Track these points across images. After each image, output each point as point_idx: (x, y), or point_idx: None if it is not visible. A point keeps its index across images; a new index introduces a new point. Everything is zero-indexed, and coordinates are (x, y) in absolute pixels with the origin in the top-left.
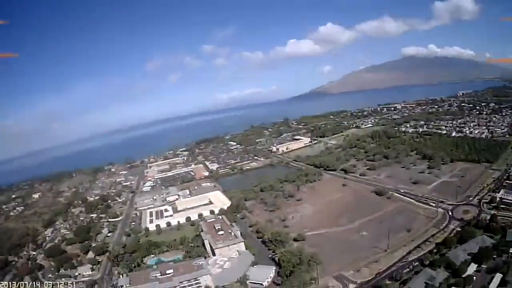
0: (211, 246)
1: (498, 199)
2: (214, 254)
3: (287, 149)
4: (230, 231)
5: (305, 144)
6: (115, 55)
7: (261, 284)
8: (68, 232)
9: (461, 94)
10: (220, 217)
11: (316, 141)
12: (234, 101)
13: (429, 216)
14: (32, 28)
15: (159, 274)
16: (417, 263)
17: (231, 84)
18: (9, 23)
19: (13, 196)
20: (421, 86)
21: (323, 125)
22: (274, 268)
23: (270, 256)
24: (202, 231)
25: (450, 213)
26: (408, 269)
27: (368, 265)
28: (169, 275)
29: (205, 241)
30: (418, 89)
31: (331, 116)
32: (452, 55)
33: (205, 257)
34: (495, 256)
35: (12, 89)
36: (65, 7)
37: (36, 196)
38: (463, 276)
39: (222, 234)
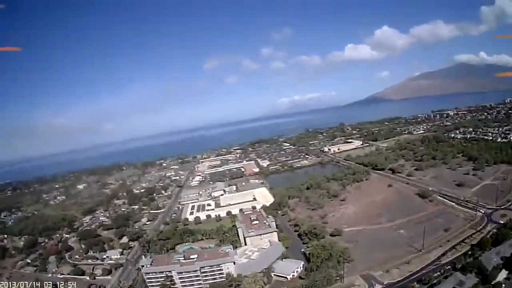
0: (243, 235)
1: None
2: (245, 244)
3: (338, 149)
4: (265, 221)
5: (356, 146)
6: (173, 56)
7: (286, 277)
8: (107, 220)
9: (508, 101)
10: (258, 209)
11: (367, 144)
12: (295, 105)
13: (468, 219)
14: (90, 29)
15: (183, 258)
16: (449, 266)
17: (291, 88)
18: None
19: (56, 186)
20: (473, 93)
21: (376, 131)
22: (303, 263)
23: (302, 250)
24: (238, 221)
25: (489, 217)
26: (438, 272)
27: (399, 265)
28: (192, 260)
29: (238, 229)
30: (470, 96)
31: (386, 123)
32: (501, 63)
33: (236, 246)
34: None
35: (71, 87)
36: (130, 9)
37: (80, 187)
38: (492, 283)
39: (256, 224)
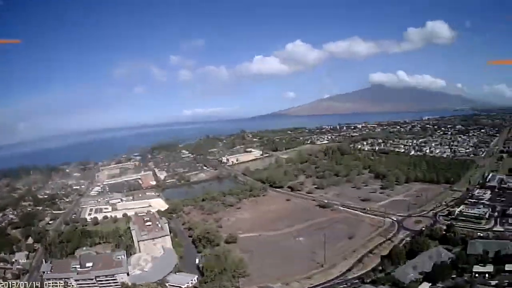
0: (137, 239)
1: (457, 212)
2: (139, 249)
3: (237, 160)
4: (157, 223)
5: (255, 156)
6: (81, 62)
7: (180, 287)
8: (15, 218)
9: (426, 118)
10: (152, 212)
11: (267, 155)
12: (198, 116)
13: (375, 225)
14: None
15: (79, 266)
16: (356, 280)
17: (195, 100)
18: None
19: None
20: (388, 113)
21: (277, 139)
22: (197, 276)
23: (197, 262)
24: (131, 222)
25: (400, 223)
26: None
27: (300, 279)
28: (87, 268)
29: (132, 232)
30: (384, 115)
31: (289, 132)
32: (422, 86)
33: (130, 253)
34: (454, 276)
35: None
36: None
37: None
38: None
39: (150, 226)
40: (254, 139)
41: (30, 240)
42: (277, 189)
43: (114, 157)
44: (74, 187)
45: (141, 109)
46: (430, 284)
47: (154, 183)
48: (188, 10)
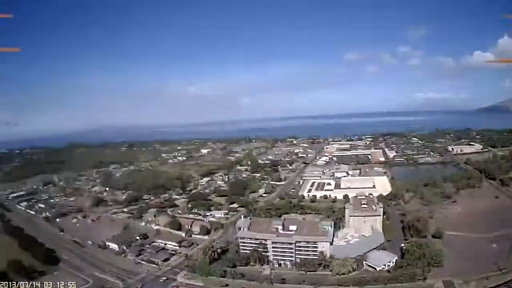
0: (348, 215)
1: None
2: (349, 224)
3: (461, 151)
4: (373, 206)
5: (476, 150)
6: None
7: (375, 268)
8: (223, 185)
9: None
10: (371, 195)
11: (486, 150)
12: (429, 102)
13: None
14: None
15: (281, 227)
16: None
17: (426, 85)
18: None
19: (179, 148)
20: None
21: (496, 138)
22: (396, 257)
23: (402, 245)
24: (348, 203)
25: None
26: None
27: (479, 279)
28: (290, 232)
29: (346, 210)
30: None
31: (505, 134)
32: None
33: (339, 226)
34: None
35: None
36: None
37: (204, 151)
38: None
39: (365, 207)
40: (477, 136)
41: (234, 206)
42: (490, 181)
43: (344, 136)
44: (301, 155)
45: (373, 92)
46: None
47: (383, 159)
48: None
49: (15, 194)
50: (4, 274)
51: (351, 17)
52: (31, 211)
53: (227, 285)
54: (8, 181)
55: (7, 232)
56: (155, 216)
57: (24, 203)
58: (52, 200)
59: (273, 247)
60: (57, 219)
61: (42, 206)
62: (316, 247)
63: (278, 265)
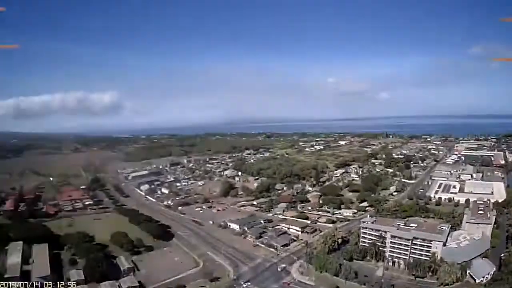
0: (465, 221)
1: None
2: (463, 228)
3: None
4: (488, 213)
5: None
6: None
7: (474, 279)
8: (357, 179)
9: None
10: (488, 201)
11: None
12: None
13: None
14: None
15: (403, 224)
16: None
17: None
18: None
19: (316, 139)
20: None
21: None
22: (494, 269)
23: (500, 256)
24: (467, 208)
25: None
26: None
27: None
28: (409, 227)
29: (464, 215)
30: None
31: None
32: None
33: (455, 229)
34: None
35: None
36: None
37: (342, 142)
38: None
39: (481, 213)
40: None
41: (364, 204)
42: None
43: (473, 136)
44: (433, 151)
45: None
46: None
47: (502, 162)
48: None
49: (136, 174)
50: (104, 246)
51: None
52: (151, 198)
53: (337, 287)
54: (129, 161)
55: (120, 211)
56: (283, 211)
57: (146, 186)
58: (178, 184)
59: (391, 242)
60: (180, 207)
61: (166, 191)
62: (430, 246)
63: (392, 264)
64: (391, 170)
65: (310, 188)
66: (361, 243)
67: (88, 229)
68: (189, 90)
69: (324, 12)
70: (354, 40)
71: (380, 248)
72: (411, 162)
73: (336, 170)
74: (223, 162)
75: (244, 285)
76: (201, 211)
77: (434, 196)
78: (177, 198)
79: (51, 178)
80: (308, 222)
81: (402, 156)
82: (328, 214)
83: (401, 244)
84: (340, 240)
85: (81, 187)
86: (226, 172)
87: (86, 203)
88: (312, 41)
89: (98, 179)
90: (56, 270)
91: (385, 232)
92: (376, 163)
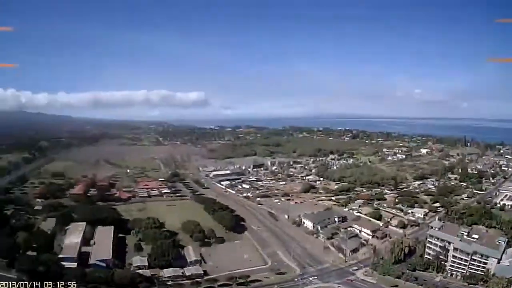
0: None
1: None
2: None
3: None
4: None
5: None
6: None
7: None
8: (433, 188)
9: None
10: None
11: None
12: None
13: None
14: None
15: (466, 234)
16: None
17: None
18: None
19: (400, 144)
20: None
21: None
22: None
23: None
24: None
25: None
26: None
27: None
28: (471, 239)
29: None
30: None
31: None
32: None
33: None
34: None
35: None
36: None
37: (423, 151)
38: None
39: None
40: None
41: (436, 204)
42: None
43: None
44: (503, 168)
45: None
46: None
47: None
48: None
49: (218, 172)
50: (174, 234)
51: None
52: (231, 191)
53: (396, 285)
54: (212, 158)
55: (196, 199)
56: (359, 206)
57: (226, 182)
58: (259, 182)
59: (453, 254)
60: (258, 198)
61: (246, 186)
62: (486, 262)
63: (450, 275)
64: (464, 184)
65: (388, 191)
66: (426, 255)
67: (159, 215)
68: (280, 91)
69: (414, 34)
70: (441, 53)
71: (442, 262)
72: (483, 179)
73: (414, 181)
74: (306, 167)
75: (310, 279)
76: (279, 203)
77: (499, 202)
78: (257, 192)
79: (128, 170)
80: (380, 224)
81: (476, 172)
82: (401, 213)
83: (461, 259)
84: (407, 249)
85: (160, 179)
86: (308, 177)
87: (163, 191)
88: (401, 54)
89: (177, 174)
90: (119, 254)
91: (449, 243)
92: (452, 177)
